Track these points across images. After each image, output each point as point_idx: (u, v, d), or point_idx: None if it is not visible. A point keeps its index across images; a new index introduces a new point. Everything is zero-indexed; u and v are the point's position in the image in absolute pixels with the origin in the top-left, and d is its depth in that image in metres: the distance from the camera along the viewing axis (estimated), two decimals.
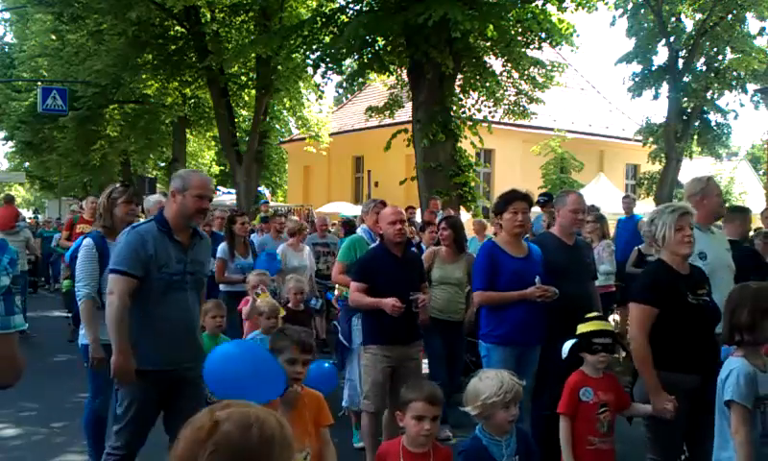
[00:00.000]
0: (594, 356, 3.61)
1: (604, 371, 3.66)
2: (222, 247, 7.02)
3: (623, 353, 3.69)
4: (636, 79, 23.21)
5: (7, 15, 29.43)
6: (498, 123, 16.36)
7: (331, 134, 23.00)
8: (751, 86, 22.08)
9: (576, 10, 13.28)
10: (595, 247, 7.39)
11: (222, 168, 31.18)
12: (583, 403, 3.54)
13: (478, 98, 14.09)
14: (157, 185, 26.60)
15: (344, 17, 13.87)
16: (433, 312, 5.63)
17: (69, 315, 9.16)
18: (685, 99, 21.91)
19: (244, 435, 1.16)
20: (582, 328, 3.72)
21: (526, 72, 13.96)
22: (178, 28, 18.72)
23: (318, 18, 14.36)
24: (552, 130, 20.42)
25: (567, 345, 3.74)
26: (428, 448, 2.93)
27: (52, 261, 16.12)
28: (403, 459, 2.93)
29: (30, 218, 27.64)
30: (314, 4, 17.45)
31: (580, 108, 24.33)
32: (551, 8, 13.20)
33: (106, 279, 4.38)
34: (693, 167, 27.08)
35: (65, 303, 8.42)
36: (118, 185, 4.66)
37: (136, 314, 3.52)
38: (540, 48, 13.70)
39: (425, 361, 7.59)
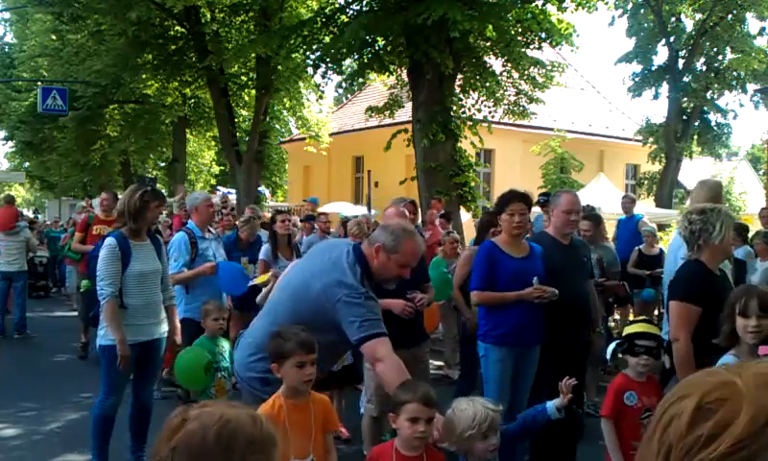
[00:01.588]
0: (636, 358, 3.54)
1: (648, 374, 3.59)
2: (265, 248, 6.65)
3: (667, 359, 3.62)
4: (636, 79, 23.26)
5: (7, 15, 29.44)
6: (498, 123, 16.35)
7: (331, 134, 22.98)
8: (751, 86, 22.13)
9: (576, 10, 13.26)
10: None
11: (222, 168, 31.17)
12: (627, 408, 3.49)
13: (478, 98, 14.07)
14: (158, 185, 26.63)
15: (344, 17, 13.87)
16: None
17: (77, 314, 9.07)
18: (685, 99, 21.94)
19: (202, 435, 1.16)
20: (626, 330, 3.69)
21: (526, 72, 13.95)
22: (178, 28, 18.71)
23: (318, 18, 14.36)
24: (552, 130, 20.40)
25: (611, 346, 3.69)
26: (422, 452, 2.86)
27: (59, 262, 15.12)
28: None
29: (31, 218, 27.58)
30: (314, 4, 17.44)
31: (580, 108, 24.31)
32: (551, 8, 13.19)
33: (126, 280, 4.46)
34: (693, 167, 27.12)
35: (83, 302, 8.18)
36: (148, 188, 4.60)
37: None
38: (539, 48, 13.69)
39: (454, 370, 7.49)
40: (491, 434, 2.77)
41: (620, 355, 3.66)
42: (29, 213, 35.61)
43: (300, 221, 10.42)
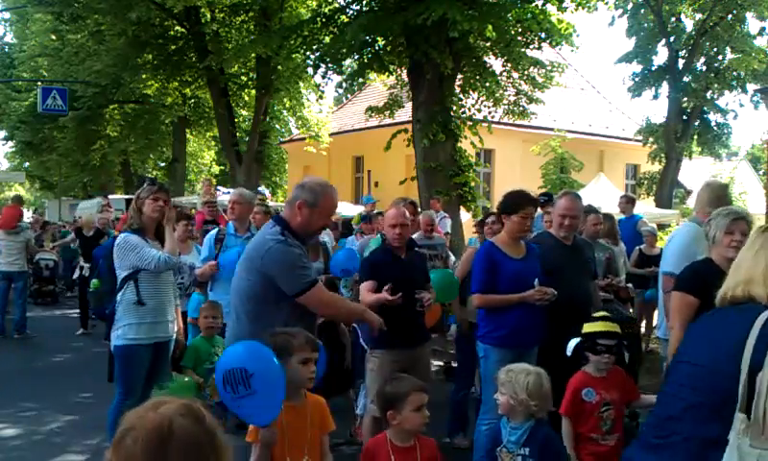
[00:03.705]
0: (597, 357, 3.63)
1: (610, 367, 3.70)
2: None
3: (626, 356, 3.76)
4: (636, 79, 23.27)
5: (7, 15, 29.46)
6: (498, 123, 16.34)
7: (331, 134, 22.98)
8: (751, 86, 22.13)
9: (576, 10, 13.25)
10: None
11: (222, 168, 31.18)
12: (586, 403, 3.57)
13: (478, 98, 14.07)
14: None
15: (344, 18, 13.86)
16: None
17: (91, 316, 8.92)
18: (685, 99, 21.95)
19: (200, 426, 1.17)
20: (587, 328, 3.73)
21: (526, 72, 13.94)
22: (178, 28, 18.72)
23: (318, 18, 14.35)
24: (552, 130, 20.40)
25: (572, 343, 3.75)
26: (414, 441, 2.95)
27: (75, 265, 13.67)
28: (393, 454, 2.95)
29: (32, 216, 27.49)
30: (314, 4, 17.43)
31: (580, 108, 24.31)
32: (551, 8, 13.17)
33: (141, 273, 4.49)
34: (693, 167, 27.13)
35: (93, 303, 8.11)
36: (145, 185, 4.69)
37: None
38: (539, 48, 13.68)
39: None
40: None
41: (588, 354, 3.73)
42: (28, 213, 35.53)
43: (363, 222, 10.14)
